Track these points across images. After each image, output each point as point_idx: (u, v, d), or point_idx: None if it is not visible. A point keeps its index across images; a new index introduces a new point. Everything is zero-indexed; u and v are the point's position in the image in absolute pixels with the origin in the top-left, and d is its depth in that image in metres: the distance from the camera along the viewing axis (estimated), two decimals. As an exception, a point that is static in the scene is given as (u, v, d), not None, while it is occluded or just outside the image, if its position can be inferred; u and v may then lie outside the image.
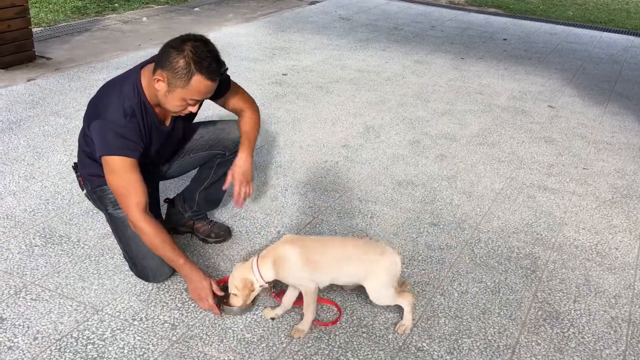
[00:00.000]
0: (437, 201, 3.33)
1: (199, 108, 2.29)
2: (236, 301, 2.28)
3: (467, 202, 3.33)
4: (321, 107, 4.61)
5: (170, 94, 2.16)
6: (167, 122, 2.39)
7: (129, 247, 2.44)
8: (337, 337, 2.25)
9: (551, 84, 5.67)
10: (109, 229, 2.80)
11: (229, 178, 2.53)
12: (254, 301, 2.34)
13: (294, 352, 2.16)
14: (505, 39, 7.35)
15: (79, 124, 4.01)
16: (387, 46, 6.66)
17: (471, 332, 2.32)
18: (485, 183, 3.58)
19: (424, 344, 2.24)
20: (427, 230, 3.02)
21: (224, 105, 2.55)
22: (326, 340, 2.23)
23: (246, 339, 2.21)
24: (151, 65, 2.24)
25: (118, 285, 2.47)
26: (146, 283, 2.48)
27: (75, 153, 3.57)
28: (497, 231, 3.05)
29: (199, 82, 2.12)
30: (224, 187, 2.57)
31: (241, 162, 2.52)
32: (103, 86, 2.35)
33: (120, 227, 2.45)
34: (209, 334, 2.23)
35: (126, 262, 2.55)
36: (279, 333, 2.25)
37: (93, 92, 4.71)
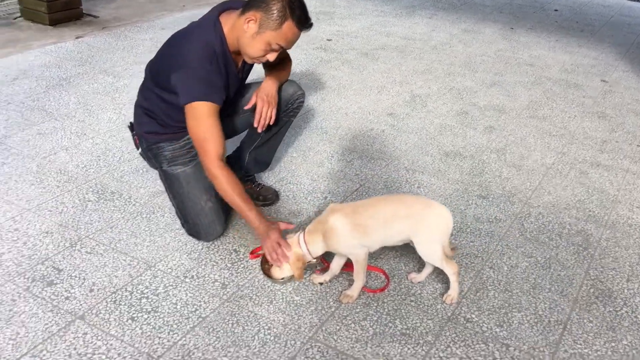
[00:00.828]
0: (485, 174, 3.27)
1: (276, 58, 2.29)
2: (277, 273, 2.29)
3: (517, 176, 3.27)
4: (367, 74, 4.55)
5: (258, 36, 2.18)
6: (239, 72, 2.40)
7: (182, 204, 2.47)
8: (385, 304, 2.25)
9: (604, 58, 5.48)
10: (159, 187, 2.85)
11: (253, 98, 2.50)
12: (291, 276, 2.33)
13: (343, 317, 2.17)
14: (556, 10, 7.11)
15: (128, 82, 4.06)
16: (433, 14, 6.51)
17: (521, 306, 2.29)
18: (536, 157, 3.50)
19: (473, 316, 2.22)
20: (475, 203, 2.98)
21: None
22: (374, 307, 2.23)
23: (295, 302, 2.23)
24: (230, 12, 2.25)
25: (169, 243, 2.51)
26: (196, 242, 2.51)
27: (125, 111, 3.63)
28: (548, 206, 2.99)
29: (289, 29, 2.17)
30: (246, 107, 2.53)
31: (266, 85, 2.51)
32: (175, 37, 2.35)
33: (175, 184, 2.47)
34: (258, 294, 2.26)
35: (178, 220, 2.58)
36: (327, 297, 2.26)
37: (140, 51, 4.79)
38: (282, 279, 2.28)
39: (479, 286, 2.38)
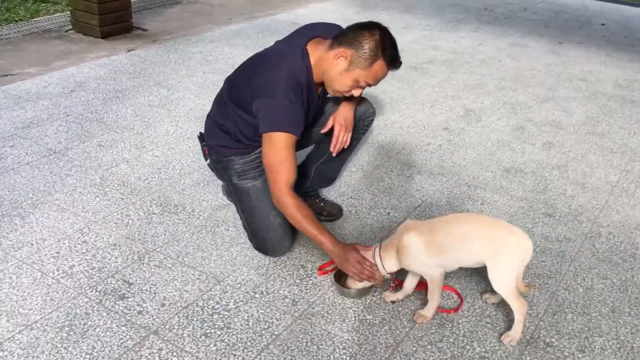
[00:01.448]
0: (549, 191, 3.19)
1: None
2: (353, 283, 2.26)
3: (582, 194, 3.18)
4: (417, 88, 4.51)
5: (347, 72, 2.17)
6: (320, 100, 2.41)
7: (251, 218, 2.45)
8: (460, 325, 2.19)
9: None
10: (220, 201, 2.84)
11: (330, 122, 2.50)
12: (371, 286, 2.30)
13: (418, 338, 2.12)
14: (603, 24, 6.99)
15: (182, 95, 4.09)
16: (478, 27, 6.45)
17: (602, 330, 2.21)
18: (599, 174, 3.41)
19: (553, 340, 2.15)
20: (542, 221, 2.90)
21: None
22: (449, 328, 2.17)
23: (368, 321, 2.19)
24: (318, 41, 2.24)
25: (236, 257, 2.49)
26: (263, 257, 2.49)
27: (181, 124, 3.64)
28: (618, 226, 2.90)
29: (380, 68, 2.16)
30: (323, 131, 2.52)
31: (345, 109, 2.50)
32: (260, 59, 2.34)
33: (244, 198, 2.45)
34: (330, 312, 2.22)
35: (243, 234, 2.56)
36: (401, 317, 2.21)
37: (191, 64, 4.83)
38: (358, 290, 2.25)
39: (555, 309, 2.31)
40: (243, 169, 2.46)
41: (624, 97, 4.70)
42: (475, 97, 4.47)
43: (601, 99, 4.62)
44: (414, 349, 2.07)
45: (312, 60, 2.24)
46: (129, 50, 4.97)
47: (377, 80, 2.23)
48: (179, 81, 4.35)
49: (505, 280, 2.07)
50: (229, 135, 2.44)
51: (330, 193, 3.01)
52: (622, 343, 2.16)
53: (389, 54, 2.16)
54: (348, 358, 2.02)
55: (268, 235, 2.43)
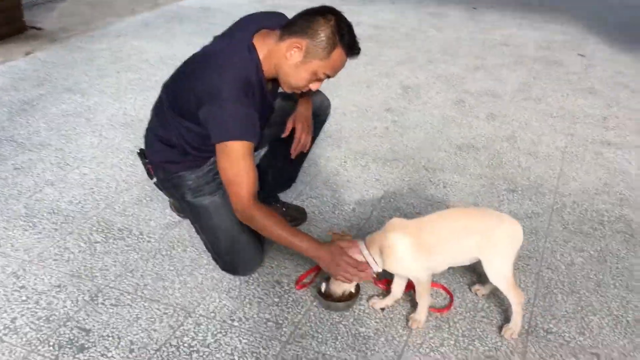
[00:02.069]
0: (504, 164, 3.15)
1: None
2: (337, 287, 2.08)
3: (536, 164, 3.16)
4: (350, 69, 4.30)
5: (303, 65, 1.92)
6: (272, 98, 2.15)
7: (214, 237, 2.21)
8: (457, 324, 2.07)
9: (573, 32, 5.49)
10: (170, 218, 2.57)
11: (289, 124, 2.30)
12: (357, 292, 2.13)
13: (418, 345, 1.98)
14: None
15: (98, 100, 3.69)
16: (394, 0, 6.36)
17: (594, 308, 2.17)
18: (547, 141, 3.40)
19: (551, 325, 2.08)
20: (506, 198, 2.84)
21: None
22: (447, 329, 2.05)
23: (362, 334, 2.02)
24: (266, 33, 1.97)
25: (202, 282, 2.23)
26: (232, 278, 2.25)
27: (106, 134, 3.28)
28: (579, 194, 2.89)
29: (339, 56, 1.92)
30: (284, 135, 2.31)
31: (302, 108, 2.31)
32: (201, 61, 2.04)
33: (203, 216, 2.20)
34: (319, 331, 2.03)
35: (205, 254, 2.31)
36: (395, 324, 2.06)
37: (101, 63, 4.39)
38: (346, 303, 2.10)
39: (544, 291, 2.24)
40: (197, 184, 2.19)
41: (547, 58, 4.77)
42: (408, 72, 4.37)
43: (528, 63, 4.66)
44: (417, 358, 1.93)
45: (261, 56, 1.98)
46: (26, 54, 4.46)
47: (336, 71, 2.01)
48: (91, 84, 3.94)
49: (502, 272, 1.97)
50: (175, 148, 2.16)
51: (288, 195, 2.79)
52: (617, 319, 2.12)
53: (347, 40, 1.93)
54: (351, 381, 1.84)
55: (236, 254, 2.20)
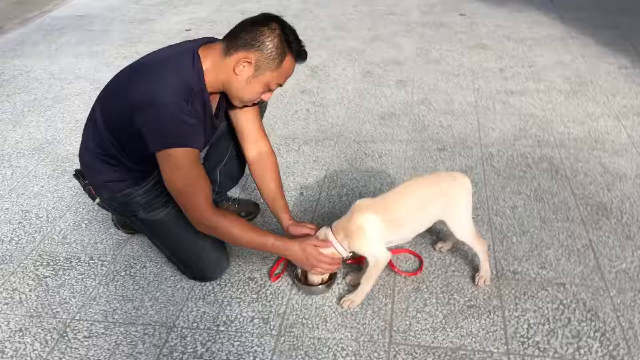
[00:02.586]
0: (428, 127, 3.28)
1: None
2: (315, 277, 2.10)
3: (455, 121, 3.32)
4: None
5: (254, 79, 1.86)
6: (216, 115, 2.05)
7: (178, 249, 2.13)
8: (433, 282, 2.16)
9: (448, -6, 5.78)
10: (117, 236, 2.46)
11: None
12: (334, 275, 2.16)
13: (404, 310, 2.05)
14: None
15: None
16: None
17: (546, 243, 2.34)
18: (458, 99, 3.59)
19: (515, 266, 2.23)
20: (439, 157, 2.98)
21: (237, 120, 2.18)
22: (425, 290, 2.14)
23: (348, 311, 2.05)
24: (208, 46, 1.88)
25: (173, 294, 2.16)
26: (203, 284, 2.19)
27: (15, 162, 3.03)
28: (501, 142, 3.09)
29: (290, 64, 1.88)
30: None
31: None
32: (137, 68, 1.92)
33: (162, 230, 2.11)
34: (307, 317, 2.04)
35: (167, 266, 2.24)
36: (376, 295, 2.11)
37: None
38: (321, 284, 2.11)
39: (499, 236, 2.39)
40: (147, 199, 2.09)
41: (434, 22, 4.99)
42: (310, 52, 4.36)
43: (417, 29, 4.85)
44: (408, 323, 1.99)
45: (205, 66, 1.87)
46: None
47: (287, 79, 1.96)
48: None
49: (466, 226, 2.08)
50: (118, 166, 2.02)
51: (233, 191, 2.74)
52: (568, 248, 2.31)
53: (295, 47, 1.88)
54: (353, 357, 1.88)
55: (204, 261, 2.14)
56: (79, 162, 2.16)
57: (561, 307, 2.03)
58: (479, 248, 2.11)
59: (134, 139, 1.84)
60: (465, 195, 2.08)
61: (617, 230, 2.40)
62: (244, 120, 2.15)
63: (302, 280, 2.13)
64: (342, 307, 2.06)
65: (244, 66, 1.83)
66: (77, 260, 2.33)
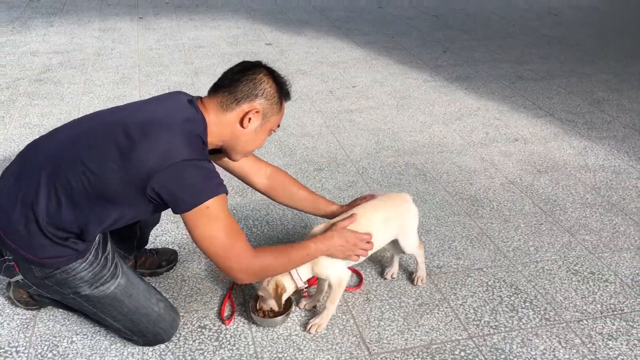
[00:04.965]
0: (296, 150, 3.39)
1: None
2: (264, 303, 2.06)
3: (317, 142, 3.49)
4: (85, 108, 3.94)
5: (261, 128, 1.82)
6: None
7: (132, 322, 1.90)
8: (378, 291, 2.27)
9: (244, 25, 5.98)
10: (21, 316, 2.12)
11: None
12: (289, 302, 2.14)
13: (367, 322, 2.12)
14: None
15: None
16: (49, 21, 5.85)
17: (450, 237, 2.62)
18: (309, 122, 3.77)
19: (439, 261, 2.45)
20: (319, 177, 3.11)
21: (232, 167, 2.11)
22: (375, 300, 2.23)
23: (316, 335, 2.06)
24: (206, 101, 1.78)
25: (125, 364, 1.92)
26: (154, 347, 1.99)
27: None
28: (366, 156, 3.34)
29: (284, 105, 1.88)
30: None
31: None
32: (133, 124, 1.68)
33: (113, 305, 1.86)
34: (280, 350, 1.99)
35: (107, 336, 1.99)
36: (336, 313, 2.15)
37: None
38: (283, 315, 2.08)
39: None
40: (94, 273, 1.81)
41: (246, 52, 5.13)
42: (132, 91, 4.18)
43: (234, 59, 4.85)
44: (376, 332, 2.07)
45: (210, 120, 1.75)
46: None
47: (280, 121, 1.95)
48: None
49: (415, 241, 2.25)
50: (67, 240, 1.74)
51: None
52: (468, 238, 2.62)
53: (285, 87, 1.87)
54: (345, 378, 1.90)
55: (160, 326, 1.95)
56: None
57: (489, 288, 2.31)
58: (421, 253, 2.30)
59: (133, 207, 1.72)
60: (414, 214, 2.25)
61: (494, 216, 2.79)
62: (240, 163, 2.06)
63: (259, 314, 2.08)
64: (310, 333, 2.06)
65: (253, 117, 1.78)
66: (3, 352, 1.93)
